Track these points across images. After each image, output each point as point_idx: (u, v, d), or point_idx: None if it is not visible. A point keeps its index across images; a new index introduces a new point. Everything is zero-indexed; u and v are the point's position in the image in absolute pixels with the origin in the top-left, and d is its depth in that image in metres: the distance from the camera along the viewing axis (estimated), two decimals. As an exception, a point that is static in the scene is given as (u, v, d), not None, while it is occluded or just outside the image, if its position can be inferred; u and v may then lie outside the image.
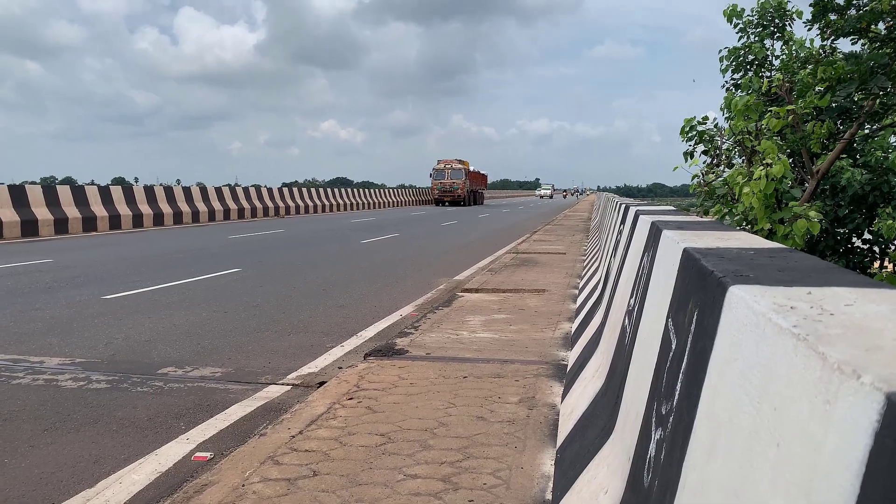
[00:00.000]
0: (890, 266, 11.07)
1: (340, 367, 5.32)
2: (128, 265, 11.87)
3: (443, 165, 51.36)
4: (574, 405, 3.72)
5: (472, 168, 55.09)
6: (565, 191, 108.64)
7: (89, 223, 20.64)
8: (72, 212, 20.19)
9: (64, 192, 20.41)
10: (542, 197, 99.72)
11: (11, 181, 20.13)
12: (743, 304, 1.18)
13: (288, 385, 4.95)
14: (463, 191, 50.45)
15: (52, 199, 19.76)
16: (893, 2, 7.56)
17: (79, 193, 20.96)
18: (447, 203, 50.21)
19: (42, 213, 19.17)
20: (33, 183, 20.73)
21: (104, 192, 22.06)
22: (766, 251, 1.83)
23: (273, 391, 4.81)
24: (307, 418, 4.01)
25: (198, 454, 3.67)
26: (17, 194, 18.78)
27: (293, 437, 3.71)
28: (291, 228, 22.85)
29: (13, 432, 4.00)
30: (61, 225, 19.59)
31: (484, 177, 63.29)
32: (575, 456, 2.96)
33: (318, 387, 4.77)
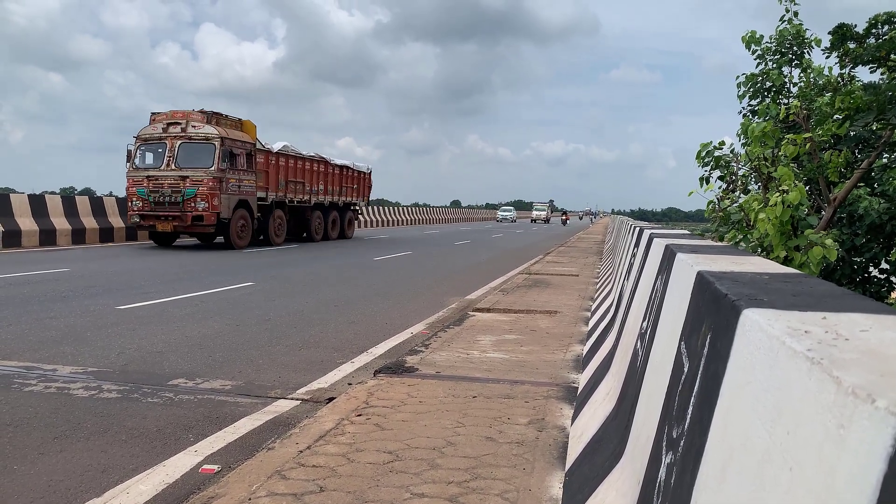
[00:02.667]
0: (908, 296, 10.93)
1: (350, 384, 5.32)
2: (142, 276, 11.96)
3: (160, 128, 18.96)
4: (584, 428, 3.69)
5: (279, 146, 22.24)
6: (565, 213, 74.13)
7: (106, 234, 20.85)
8: (89, 222, 20.41)
9: (82, 203, 20.66)
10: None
11: (32, 191, 20.33)
12: (757, 327, 1.18)
13: (297, 400, 4.95)
14: (211, 202, 18.39)
15: (70, 210, 19.99)
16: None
17: (97, 204, 21.20)
18: (164, 234, 19.31)
19: (60, 222, 19.40)
20: (53, 193, 20.98)
21: (122, 204, 22.30)
22: (781, 276, 1.82)
23: (282, 405, 4.80)
24: (315, 434, 4.00)
25: (205, 466, 3.67)
26: (37, 204, 19.03)
27: (301, 451, 3.70)
28: (305, 244, 22.95)
29: (24, 439, 4.02)
30: (79, 235, 19.81)
31: (358, 177, 27.68)
32: (584, 479, 2.93)
33: (328, 402, 4.76)
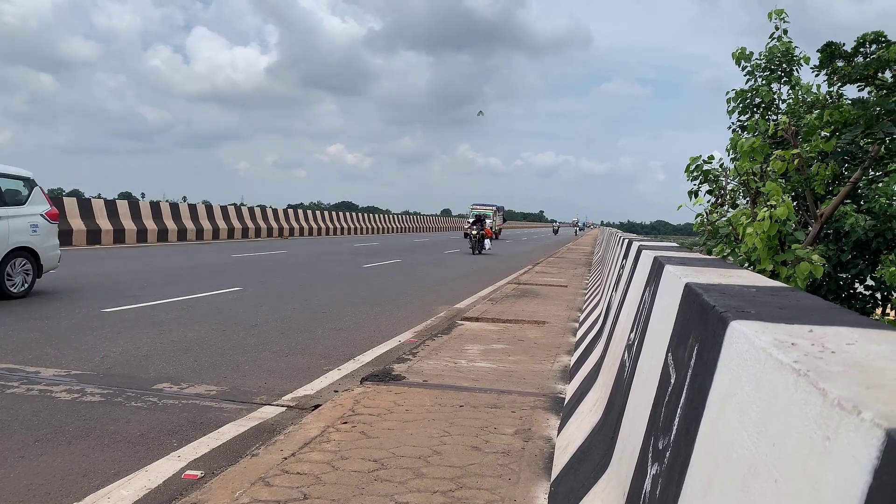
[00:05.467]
0: (892, 313, 11.02)
1: (336, 391, 5.29)
2: (129, 279, 11.87)
3: None
4: (570, 438, 3.69)
5: None
6: (479, 219, 26.44)
7: (93, 236, 20.70)
8: (77, 224, 20.26)
9: (70, 205, 20.51)
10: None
11: (19, 191, 20.13)
12: (744, 339, 1.18)
13: (283, 406, 4.92)
14: None
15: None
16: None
17: (84, 206, 21.06)
18: None
19: (47, 224, 19.23)
20: (40, 194, 20.79)
21: (110, 206, 22.17)
22: (768, 289, 1.83)
23: (267, 412, 4.77)
24: (300, 441, 3.97)
25: (188, 472, 3.63)
26: (24, 204, 18.86)
27: (285, 458, 3.67)
28: (294, 250, 22.87)
29: (4, 442, 3.96)
30: (65, 237, 19.62)
31: None
32: (569, 490, 2.93)
33: (313, 409, 4.73)
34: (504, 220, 52.87)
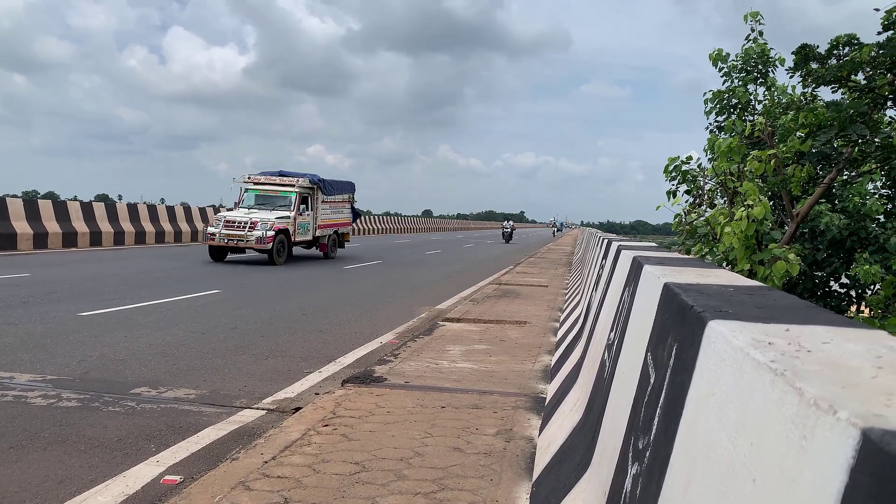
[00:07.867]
0: (866, 310, 11.20)
1: (317, 393, 5.26)
2: (106, 282, 11.72)
3: None
4: (551, 438, 3.70)
5: None
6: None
7: (69, 239, 20.40)
8: (52, 226, 19.95)
9: (45, 207, 20.19)
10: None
11: (-8, 194, 19.83)
12: (722, 338, 1.19)
13: (263, 410, 4.88)
14: None
15: (32, 213, 19.52)
16: (872, 52, 7.76)
17: (60, 208, 20.74)
18: None
19: (21, 226, 18.92)
20: (14, 196, 20.46)
21: (86, 208, 21.85)
22: (746, 288, 1.84)
23: (247, 415, 4.73)
24: (281, 444, 3.94)
25: (167, 477, 3.59)
26: (-3, 207, 18.54)
27: (266, 462, 3.64)
28: (274, 252, 22.69)
29: (-23, 449, 3.89)
30: (41, 239, 19.34)
31: None
32: (551, 490, 2.93)
33: (294, 412, 4.70)
34: (357, 215, 25.67)
